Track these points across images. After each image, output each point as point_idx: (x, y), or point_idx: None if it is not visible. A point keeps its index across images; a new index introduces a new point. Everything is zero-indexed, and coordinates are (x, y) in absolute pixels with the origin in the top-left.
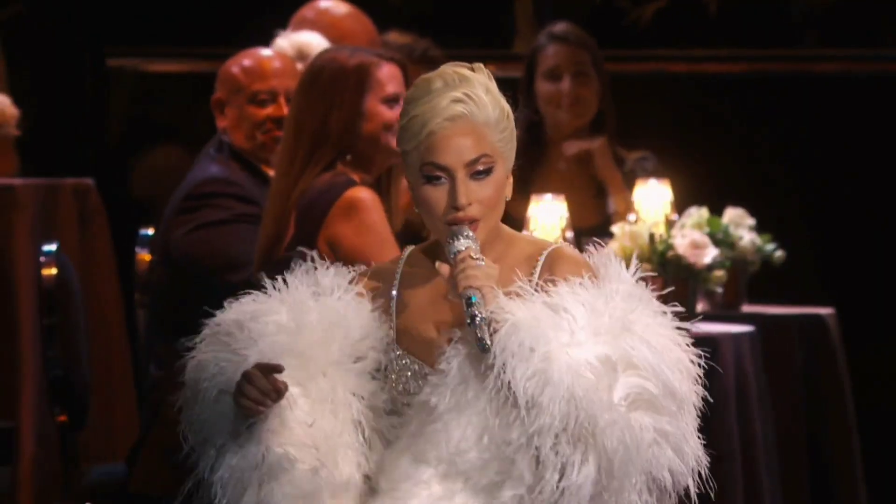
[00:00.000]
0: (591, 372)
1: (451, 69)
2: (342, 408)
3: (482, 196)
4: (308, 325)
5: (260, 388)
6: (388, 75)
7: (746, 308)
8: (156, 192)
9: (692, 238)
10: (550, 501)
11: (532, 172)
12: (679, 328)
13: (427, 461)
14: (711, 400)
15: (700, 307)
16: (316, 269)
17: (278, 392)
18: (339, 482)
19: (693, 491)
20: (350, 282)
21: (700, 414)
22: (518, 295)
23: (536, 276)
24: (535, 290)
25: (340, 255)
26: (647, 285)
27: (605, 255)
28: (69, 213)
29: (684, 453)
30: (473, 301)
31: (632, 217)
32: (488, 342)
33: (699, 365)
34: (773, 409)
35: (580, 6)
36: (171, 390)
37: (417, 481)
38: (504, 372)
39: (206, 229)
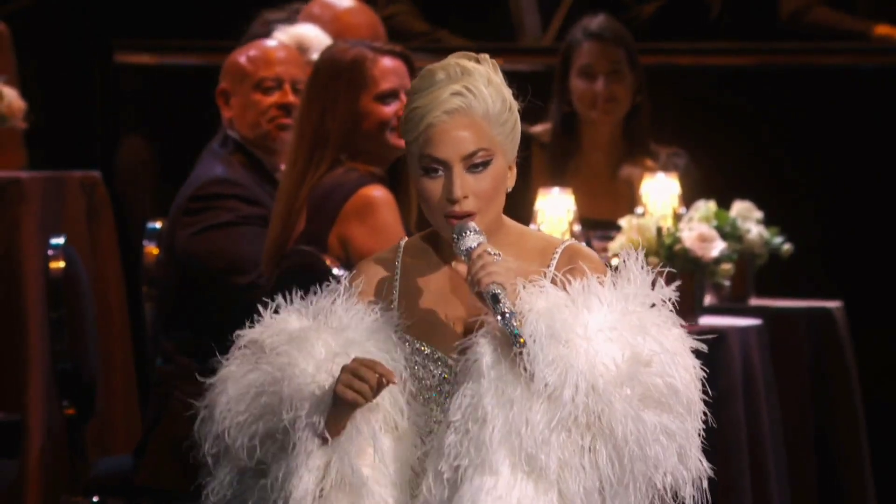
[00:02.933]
0: (608, 366)
1: (455, 61)
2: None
3: (478, 189)
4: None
5: (368, 380)
6: (385, 70)
7: (754, 301)
8: (135, 184)
9: (700, 231)
10: (563, 489)
11: (566, 164)
12: (683, 327)
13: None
14: (717, 399)
15: (707, 300)
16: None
17: (383, 384)
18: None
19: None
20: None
21: (706, 414)
22: (536, 286)
23: (552, 270)
24: (553, 284)
25: (352, 253)
26: (662, 288)
27: (627, 258)
28: (77, 206)
29: (687, 458)
30: (500, 297)
31: (639, 210)
32: (522, 337)
33: (703, 368)
34: (780, 402)
35: None
36: (178, 384)
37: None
38: (527, 360)
39: (212, 232)
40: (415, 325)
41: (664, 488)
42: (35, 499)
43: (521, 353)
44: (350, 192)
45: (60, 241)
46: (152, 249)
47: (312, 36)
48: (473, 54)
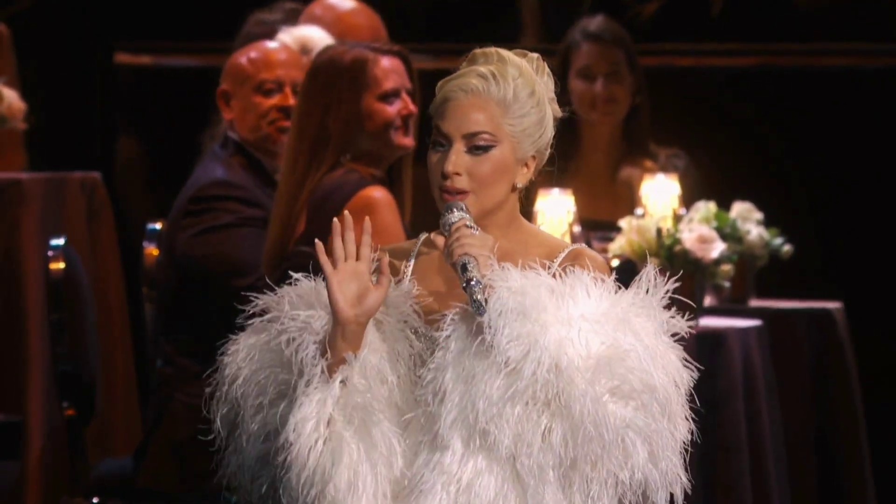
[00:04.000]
0: (579, 351)
1: (498, 49)
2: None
3: (475, 171)
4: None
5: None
6: (386, 70)
7: (754, 302)
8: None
9: (700, 232)
10: (514, 465)
11: (565, 165)
12: (677, 338)
13: (447, 437)
14: (718, 399)
15: (708, 301)
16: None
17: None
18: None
19: None
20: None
21: (703, 412)
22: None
23: (555, 266)
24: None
25: None
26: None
27: (647, 274)
28: (77, 208)
29: (658, 459)
30: (469, 266)
31: (639, 211)
32: (484, 304)
33: (699, 369)
34: (780, 403)
35: None
36: (179, 386)
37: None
38: (491, 332)
39: (212, 233)
40: (420, 305)
41: (634, 488)
42: (35, 500)
43: (487, 326)
44: (350, 193)
45: (60, 242)
46: (152, 251)
47: (317, 37)
48: (524, 50)
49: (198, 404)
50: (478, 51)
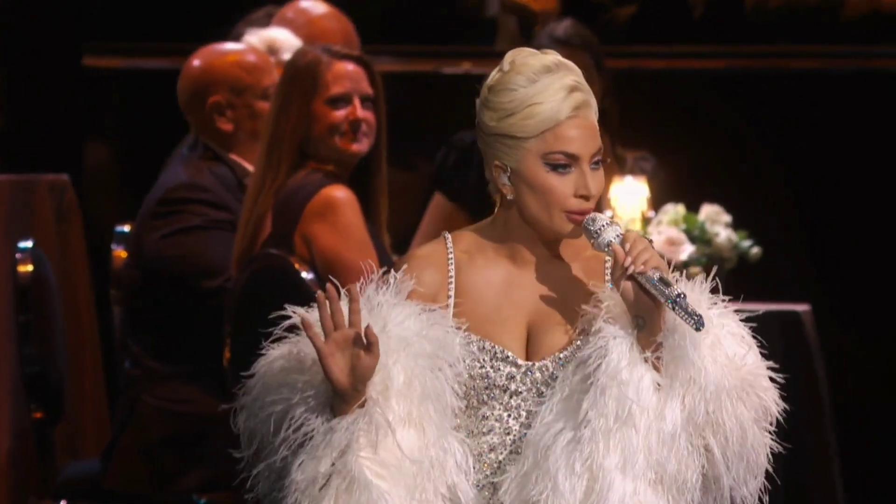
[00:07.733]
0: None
1: (535, 56)
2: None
3: (600, 188)
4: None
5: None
6: (338, 74)
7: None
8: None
9: (668, 234)
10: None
11: None
12: None
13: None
14: None
15: None
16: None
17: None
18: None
19: None
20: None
21: None
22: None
23: (609, 282)
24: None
25: (316, 253)
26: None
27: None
28: (45, 210)
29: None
30: (666, 279)
31: (608, 213)
32: (701, 317)
33: None
34: None
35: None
36: (147, 387)
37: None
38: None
39: (181, 235)
40: (477, 323)
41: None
42: (3, 502)
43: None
44: (312, 192)
45: (29, 244)
46: (121, 253)
47: (282, 39)
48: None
49: (165, 406)
50: (525, 62)
